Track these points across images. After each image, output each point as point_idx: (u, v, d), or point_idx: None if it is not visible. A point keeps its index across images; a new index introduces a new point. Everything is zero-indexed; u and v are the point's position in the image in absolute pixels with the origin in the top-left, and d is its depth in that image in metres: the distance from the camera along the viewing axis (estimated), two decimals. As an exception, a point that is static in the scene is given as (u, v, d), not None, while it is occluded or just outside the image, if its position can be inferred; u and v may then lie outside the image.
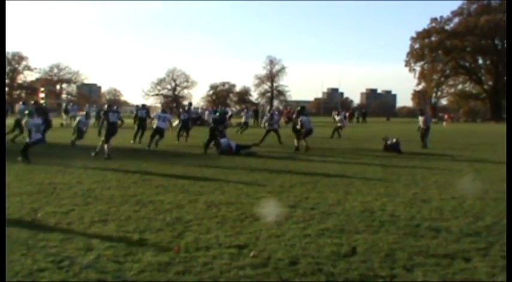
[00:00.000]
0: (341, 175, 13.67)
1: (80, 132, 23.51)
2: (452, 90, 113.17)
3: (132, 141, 24.03)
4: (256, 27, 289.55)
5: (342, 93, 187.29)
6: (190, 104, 33.05)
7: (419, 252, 6.33)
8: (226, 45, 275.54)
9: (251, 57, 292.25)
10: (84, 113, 28.71)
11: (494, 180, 13.01)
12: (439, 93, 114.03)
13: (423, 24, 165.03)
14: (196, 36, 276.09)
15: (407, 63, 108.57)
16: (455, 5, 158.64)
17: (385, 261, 6.00)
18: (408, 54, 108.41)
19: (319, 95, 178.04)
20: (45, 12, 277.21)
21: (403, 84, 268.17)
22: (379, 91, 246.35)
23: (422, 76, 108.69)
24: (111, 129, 18.43)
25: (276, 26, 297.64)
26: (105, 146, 17.76)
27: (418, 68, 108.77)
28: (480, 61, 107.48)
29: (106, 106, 21.66)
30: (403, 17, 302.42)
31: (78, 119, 24.47)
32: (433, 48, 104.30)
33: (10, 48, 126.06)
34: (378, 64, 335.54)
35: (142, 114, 26.13)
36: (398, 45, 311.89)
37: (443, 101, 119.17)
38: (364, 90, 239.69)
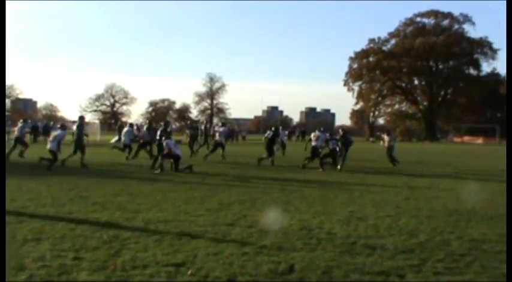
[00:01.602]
0: (279, 193, 13.78)
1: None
2: (389, 109, 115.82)
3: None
4: (196, 44, 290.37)
5: (281, 112, 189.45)
6: (121, 124, 33.78)
7: (355, 270, 6.43)
8: (166, 63, 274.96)
9: (191, 74, 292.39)
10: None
11: (428, 198, 13.41)
12: (376, 112, 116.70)
13: (361, 44, 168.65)
14: (135, 53, 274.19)
15: (346, 83, 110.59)
16: (392, 27, 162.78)
17: (322, 279, 6.08)
18: (347, 73, 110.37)
19: (259, 113, 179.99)
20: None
21: (341, 103, 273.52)
22: (318, 110, 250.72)
23: (361, 96, 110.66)
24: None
25: (216, 44, 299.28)
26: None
27: (356, 88, 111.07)
28: (416, 82, 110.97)
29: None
30: (343, 37, 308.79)
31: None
32: (371, 68, 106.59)
33: None
34: (317, 83, 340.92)
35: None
36: (338, 65, 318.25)
37: (381, 120, 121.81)
38: (303, 109, 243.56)
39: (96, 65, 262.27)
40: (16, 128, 25.48)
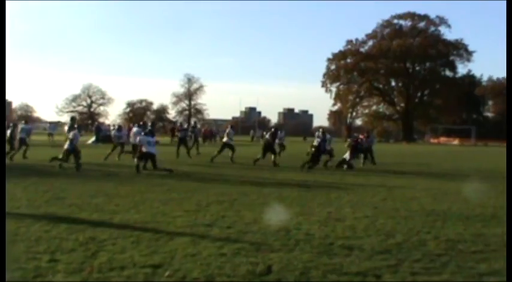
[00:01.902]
0: (258, 193, 13.77)
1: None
2: (366, 110, 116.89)
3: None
4: (174, 45, 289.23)
5: (259, 113, 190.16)
6: (98, 124, 33.82)
7: (332, 270, 6.44)
8: (144, 63, 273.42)
9: (169, 75, 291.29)
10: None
11: (405, 198, 13.49)
12: (354, 113, 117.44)
13: (339, 45, 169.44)
14: (113, 52, 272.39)
15: (323, 84, 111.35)
16: (370, 27, 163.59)
17: (300, 280, 6.08)
18: (325, 75, 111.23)
19: (237, 114, 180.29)
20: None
21: (319, 104, 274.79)
22: (296, 111, 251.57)
23: (338, 97, 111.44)
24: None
25: (194, 44, 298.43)
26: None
27: (334, 89, 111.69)
28: (393, 83, 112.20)
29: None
30: (320, 38, 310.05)
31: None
32: (349, 69, 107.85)
33: None
34: (296, 84, 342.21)
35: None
36: (316, 66, 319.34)
37: (358, 121, 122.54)
38: (281, 110, 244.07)
39: (73, 64, 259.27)
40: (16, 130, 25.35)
